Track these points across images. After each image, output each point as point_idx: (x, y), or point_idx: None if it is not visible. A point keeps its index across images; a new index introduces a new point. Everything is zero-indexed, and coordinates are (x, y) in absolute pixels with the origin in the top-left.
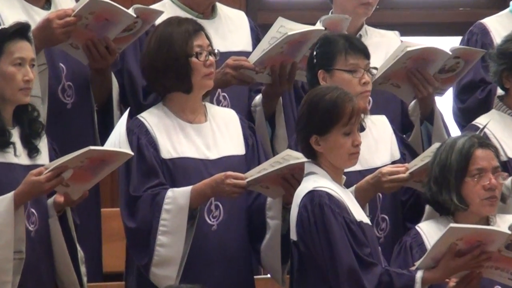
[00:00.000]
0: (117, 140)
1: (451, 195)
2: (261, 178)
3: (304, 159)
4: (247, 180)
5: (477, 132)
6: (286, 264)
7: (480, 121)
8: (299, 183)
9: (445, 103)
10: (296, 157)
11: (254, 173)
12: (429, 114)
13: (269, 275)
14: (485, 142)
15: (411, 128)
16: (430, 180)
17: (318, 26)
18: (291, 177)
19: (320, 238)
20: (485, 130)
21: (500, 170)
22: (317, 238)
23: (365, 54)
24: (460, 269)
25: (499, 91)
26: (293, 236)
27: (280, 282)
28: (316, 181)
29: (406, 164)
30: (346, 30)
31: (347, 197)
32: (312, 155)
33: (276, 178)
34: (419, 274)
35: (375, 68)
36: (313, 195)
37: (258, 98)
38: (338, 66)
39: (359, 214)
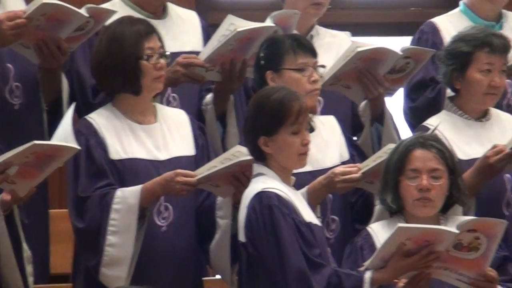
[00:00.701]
0: (63, 135)
1: (387, 196)
2: (211, 175)
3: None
4: (197, 177)
5: (429, 132)
6: (236, 264)
7: (431, 121)
8: (249, 181)
9: (396, 103)
10: (246, 154)
11: (204, 170)
12: (379, 115)
13: (218, 277)
14: (428, 143)
15: (362, 129)
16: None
17: (268, 22)
18: (241, 175)
19: (269, 240)
20: (437, 132)
21: (445, 173)
22: (266, 240)
23: (313, 52)
24: (408, 269)
25: (449, 92)
26: (242, 237)
27: (229, 283)
28: (265, 182)
29: (359, 164)
30: (297, 30)
31: (296, 198)
32: (261, 157)
33: (226, 176)
34: (367, 275)
35: (323, 66)
36: (262, 196)
37: (209, 96)
38: (287, 65)
39: (309, 215)
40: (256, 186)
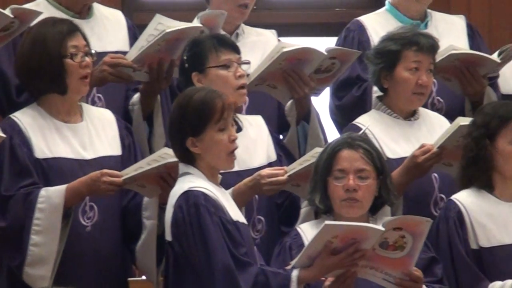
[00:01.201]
0: None
1: (316, 196)
2: (137, 176)
3: None
4: (123, 178)
5: (359, 134)
6: (161, 265)
7: (360, 120)
8: (176, 181)
9: (322, 101)
10: (173, 155)
11: (131, 171)
12: (306, 114)
13: (143, 277)
14: (356, 143)
15: (288, 129)
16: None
17: (196, 23)
18: (167, 175)
19: (195, 239)
20: (366, 130)
21: (372, 173)
22: (193, 239)
23: (235, 49)
24: (335, 267)
25: (375, 89)
26: (168, 236)
27: (155, 283)
28: (192, 181)
29: (285, 167)
30: (223, 30)
31: (223, 197)
32: (190, 158)
33: (153, 176)
34: (294, 273)
35: (248, 63)
36: (189, 195)
37: (136, 96)
38: (211, 64)
39: (236, 214)
40: (183, 185)
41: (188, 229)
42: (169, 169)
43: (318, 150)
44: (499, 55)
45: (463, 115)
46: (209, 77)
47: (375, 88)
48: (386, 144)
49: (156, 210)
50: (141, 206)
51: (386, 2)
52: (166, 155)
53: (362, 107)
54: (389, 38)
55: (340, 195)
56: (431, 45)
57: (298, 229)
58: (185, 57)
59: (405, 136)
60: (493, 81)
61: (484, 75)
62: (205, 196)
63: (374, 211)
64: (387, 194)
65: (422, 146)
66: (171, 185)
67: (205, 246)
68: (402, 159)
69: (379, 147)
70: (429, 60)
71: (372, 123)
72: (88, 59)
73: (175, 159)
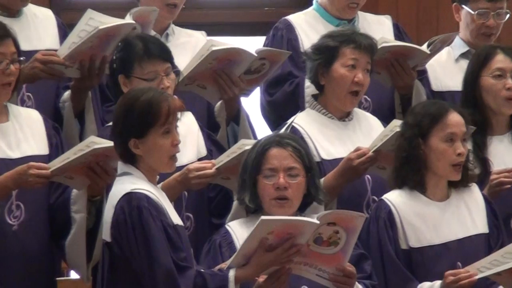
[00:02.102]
0: None
1: (245, 195)
2: (65, 166)
3: (109, 144)
4: (51, 169)
5: (283, 130)
6: (92, 260)
7: (296, 119)
8: (105, 171)
9: (252, 99)
10: (99, 142)
11: (58, 162)
12: (235, 115)
13: (72, 277)
14: (284, 141)
15: (217, 129)
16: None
17: (128, 19)
18: (96, 165)
19: (138, 242)
20: (300, 130)
21: (302, 171)
22: (134, 242)
23: (164, 57)
24: (271, 264)
25: (307, 84)
26: (107, 237)
27: (85, 279)
28: (134, 182)
29: (213, 160)
30: (154, 30)
31: (164, 200)
32: (131, 158)
33: (81, 167)
34: (231, 273)
35: (177, 71)
36: (131, 197)
37: (67, 94)
38: (136, 74)
39: (175, 217)
40: (124, 186)
41: (130, 232)
42: (97, 158)
43: (245, 142)
44: (428, 46)
45: (391, 113)
46: (133, 85)
47: (307, 83)
48: (320, 145)
49: (85, 202)
50: (69, 201)
51: (314, 2)
52: (92, 143)
53: (294, 102)
54: (328, 35)
55: (270, 193)
56: (370, 45)
57: (227, 227)
58: (114, 57)
59: (339, 137)
60: (422, 77)
61: (414, 67)
62: (148, 199)
63: (302, 209)
64: (315, 192)
65: (358, 149)
66: (100, 176)
67: (148, 250)
68: (336, 161)
69: (314, 147)
70: (366, 59)
71: (307, 122)
72: (13, 67)
73: (102, 145)
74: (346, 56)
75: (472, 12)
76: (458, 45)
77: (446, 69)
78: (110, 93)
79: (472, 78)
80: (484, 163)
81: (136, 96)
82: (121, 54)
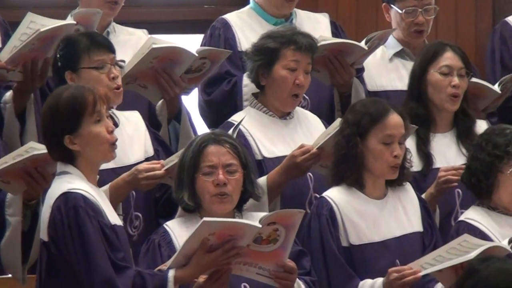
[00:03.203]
0: None
1: (183, 193)
2: (2, 171)
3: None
4: None
5: (230, 131)
6: (27, 262)
7: (236, 118)
8: (42, 176)
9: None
10: (39, 148)
11: None
12: (176, 114)
13: (9, 275)
14: (221, 138)
15: (159, 127)
16: (175, 179)
17: (70, 20)
18: (34, 170)
19: (74, 242)
20: (242, 128)
21: (239, 167)
22: (71, 242)
23: (110, 48)
24: (211, 265)
25: (245, 82)
26: (44, 236)
27: (21, 281)
28: (71, 182)
29: (162, 161)
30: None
31: (102, 200)
32: (69, 157)
33: (18, 172)
34: (170, 273)
35: (122, 61)
36: (68, 197)
37: (9, 94)
38: (84, 64)
39: (113, 217)
40: (60, 185)
41: (67, 232)
42: (35, 163)
43: None
44: (366, 43)
45: (329, 112)
46: (82, 77)
47: (244, 82)
48: (262, 143)
49: (20, 206)
50: (4, 204)
51: (251, 0)
52: (31, 149)
53: (232, 101)
54: (268, 36)
55: (210, 190)
56: (310, 45)
57: (166, 226)
58: (58, 55)
59: (280, 135)
60: (359, 75)
61: (352, 64)
62: (85, 198)
63: (240, 205)
64: (252, 188)
65: (301, 146)
66: (38, 181)
67: (85, 250)
68: (278, 159)
69: (255, 146)
70: (307, 60)
71: (248, 121)
72: None
73: (40, 151)
74: (287, 58)
75: (400, 11)
76: (391, 45)
77: (380, 69)
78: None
79: (419, 73)
80: (427, 158)
81: (58, 94)
82: (65, 51)
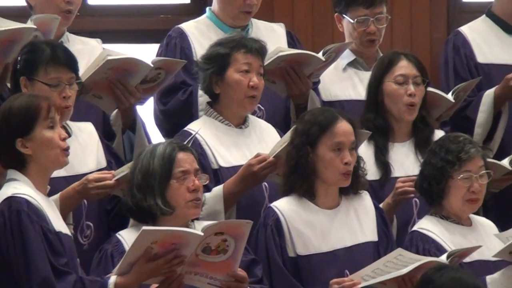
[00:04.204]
0: None
1: (156, 200)
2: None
3: (123, 56)
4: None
5: (186, 142)
6: None
7: (192, 127)
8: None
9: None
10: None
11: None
12: (131, 124)
13: None
14: (184, 146)
15: (114, 137)
16: (133, 188)
17: (29, 24)
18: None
19: (15, 245)
20: (198, 137)
21: (201, 173)
22: (13, 245)
23: (70, 66)
24: (153, 273)
25: (201, 93)
26: None
27: None
28: (17, 188)
29: (112, 171)
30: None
31: (48, 207)
32: (20, 163)
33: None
34: (111, 280)
35: (80, 82)
36: (11, 201)
37: None
38: (39, 77)
39: (59, 225)
40: (7, 191)
41: (9, 235)
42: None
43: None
44: (323, 54)
45: (285, 123)
46: (35, 88)
47: (200, 92)
48: (218, 152)
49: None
50: None
51: (207, 9)
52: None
53: (188, 110)
54: (218, 43)
55: (186, 196)
56: (260, 47)
57: (119, 236)
58: (19, 58)
59: (236, 144)
60: (315, 87)
61: (309, 75)
62: (28, 203)
63: None
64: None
65: (258, 155)
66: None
67: (25, 254)
68: (234, 168)
69: (212, 154)
70: (258, 63)
71: (204, 130)
72: None
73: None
74: (239, 61)
75: (352, 21)
76: (344, 54)
77: (334, 79)
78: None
79: (375, 83)
80: (385, 167)
81: (13, 99)
82: (27, 56)
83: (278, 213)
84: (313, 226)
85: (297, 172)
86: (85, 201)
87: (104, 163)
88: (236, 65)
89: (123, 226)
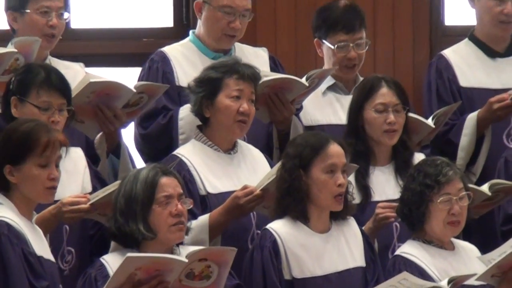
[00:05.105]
0: None
1: (138, 225)
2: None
3: (105, 79)
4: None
5: (170, 166)
6: None
7: (181, 151)
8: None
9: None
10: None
11: None
12: (115, 148)
13: None
14: (168, 170)
15: (98, 161)
16: (116, 213)
17: (10, 48)
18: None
19: None
20: (186, 162)
21: (186, 198)
22: None
23: (62, 92)
24: None
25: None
26: None
27: None
28: None
29: (88, 195)
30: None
31: (31, 231)
32: (5, 187)
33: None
34: None
35: (71, 109)
36: None
37: None
38: (31, 99)
39: (41, 250)
40: None
41: None
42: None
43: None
44: (306, 80)
45: (267, 149)
46: (25, 110)
47: (181, 115)
48: (206, 178)
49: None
50: None
51: (190, 33)
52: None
53: (168, 134)
54: (210, 67)
55: (168, 221)
56: (253, 74)
57: (102, 260)
58: (13, 79)
59: (225, 170)
60: (297, 113)
61: (292, 100)
62: (9, 226)
63: None
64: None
65: (245, 187)
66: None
67: (5, 276)
68: (221, 195)
69: (200, 180)
70: (250, 89)
71: (193, 155)
72: None
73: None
74: (230, 87)
75: (332, 47)
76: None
77: (314, 103)
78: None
79: (355, 110)
80: (365, 191)
81: (18, 124)
82: (21, 77)
83: (275, 235)
84: (308, 249)
85: (290, 196)
86: (67, 226)
87: (89, 188)
88: (227, 90)
89: (106, 251)
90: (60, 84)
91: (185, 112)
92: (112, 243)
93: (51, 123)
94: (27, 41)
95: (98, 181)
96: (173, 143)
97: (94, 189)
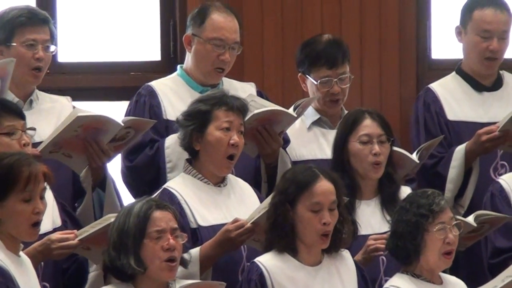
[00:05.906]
0: None
1: (129, 259)
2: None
3: (93, 113)
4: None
5: (155, 195)
6: None
7: (171, 184)
8: (100, 148)
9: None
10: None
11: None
12: (101, 182)
13: None
14: (162, 204)
15: (83, 195)
16: (109, 247)
17: None
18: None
19: None
20: (177, 195)
21: (180, 232)
22: None
23: (20, 115)
24: None
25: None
26: None
27: None
28: None
29: (75, 231)
30: (17, 95)
31: (18, 268)
32: None
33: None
34: None
35: (33, 129)
36: None
37: None
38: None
39: (27, 286)
40: None
41: None
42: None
43: (112, 216)
44: (294, 109)
45: (254, 183)
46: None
47: (166, 144)
48: (197, 211)
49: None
50: None
51: (178, 67)
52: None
53: (156, 165)
54: (199, 100)
55: (160, 255)
56: (241, 105)
57: None
58: None
59: (215, 203)
60: (285, 146)
61: (280, 132)
62: None
63: None
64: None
65: (236, 220)
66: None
67: None
68: (212, 227)
69: (190, 213)
70: (239, 121)
71: (183, 187)
72: None
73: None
74: (220, 119)
75: (316, 82)
76: (309, 114)
77: (299, 138)
78: None
79: (340, 143)
80: (352, 225)
81: (1, 158)
82: None
83: (262, 268)
84: (296, 282)
85: (276, 230)
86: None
87: (59, 222)
88: (217, 122)
89: (81, 285)
90: (15, 107)
91: (171, 140)
92: (90, 277)
93: (23, 146)
94: (2, 63)
95: (67, 215)
96: (161, 173)
97: (64, 223)
